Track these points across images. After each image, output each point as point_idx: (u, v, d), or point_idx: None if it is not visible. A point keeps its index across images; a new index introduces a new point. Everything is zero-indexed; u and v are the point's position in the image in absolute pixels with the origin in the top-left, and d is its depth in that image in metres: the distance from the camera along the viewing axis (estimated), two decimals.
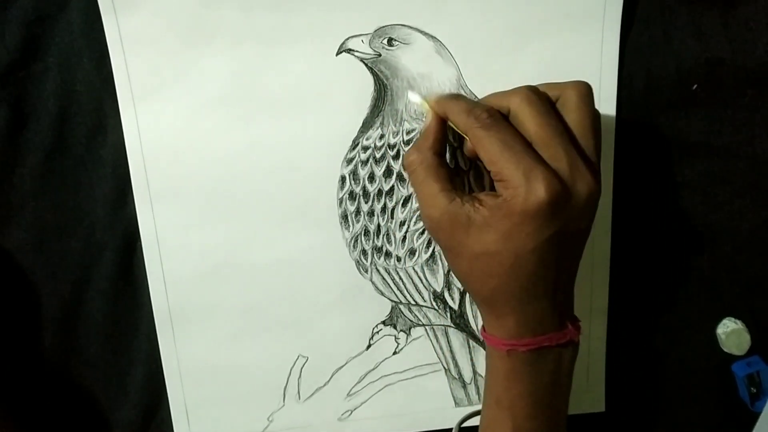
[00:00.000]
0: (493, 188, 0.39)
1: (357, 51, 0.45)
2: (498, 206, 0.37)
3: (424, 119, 0.44)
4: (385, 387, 0.50)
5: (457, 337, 0.49)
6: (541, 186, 0.36)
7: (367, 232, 0.47)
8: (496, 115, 0.39)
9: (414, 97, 0.45)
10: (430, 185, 0.39)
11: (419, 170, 0.40)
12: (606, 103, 0.47)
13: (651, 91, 0.47)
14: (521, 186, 0.36)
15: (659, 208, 0.49)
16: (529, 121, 0.38)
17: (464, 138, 0.40)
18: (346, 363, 0.49)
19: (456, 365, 0.50)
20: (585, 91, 0.39)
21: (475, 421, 0.46)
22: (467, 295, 0.48)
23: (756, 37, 0.47)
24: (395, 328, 0.49)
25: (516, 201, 0.36)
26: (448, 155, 0.44)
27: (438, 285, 0.48)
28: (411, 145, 0.45)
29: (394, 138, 0.46)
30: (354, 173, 0.47)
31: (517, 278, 0.38)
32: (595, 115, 0.39)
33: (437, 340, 0.49)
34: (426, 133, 0.42)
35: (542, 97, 0.39)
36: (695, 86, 0.48)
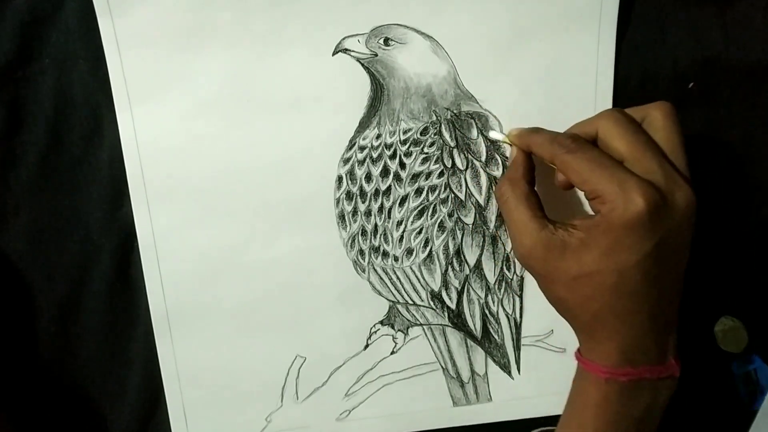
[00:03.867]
0: None
1: (353, 51, 0.45)
2: (596, 224, 0.37)
3: (507, 155, 0.45)
4: (383, 387, 0.50)
5: (454, 337, 0.49)
6: (638, 195, 0.35)
7: (364, 232, 0.47)
8: (580, 139, 0.39)
9: (496, 135, 0.45)
10: (521, 213, 0.39)
11: (511, 199, 0.40)
12: (602, 102, 0.47)
13: (647, 90, 0.48)
14: (618, 198, 0.36)
15: None
16: (619, 140, 0.38)
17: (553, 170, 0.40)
18: (344, 363, 0.49)
19: (454, 365, 0.50)
20: (670, 110, 0.39)
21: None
22: (465, 294, 0.48)
23: (752, 35, 0.47)
24: (393, 327, 0.49)
25: (615, 214, 0.36)
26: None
27: (435, 284, 0.48)
28: (501, 178, 0.44)
29: (390, 138, 0.46)
30: (351, 173, 0.47)
31: (620, 297, 0.37)
32: (681, 133, 0.39)
33: (435, 340, 0.49)
34: (514, 164, 0.42)
35: (629, 117, 0.39)
36: (691, 84, 0.48)
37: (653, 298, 0.37)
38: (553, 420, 0.48)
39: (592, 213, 0.38)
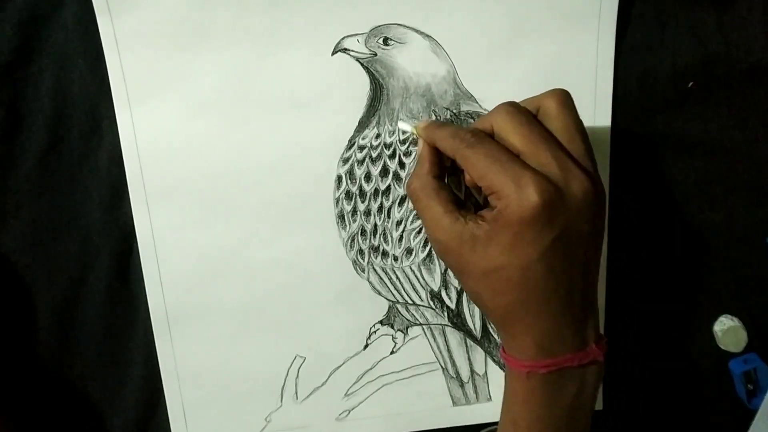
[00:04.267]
0: None
1: (353, 51, 0.45)
2: (495, 219, 0.37)
3: (415, 147, 0.45)
4: (382, 386, 0.50)
5: (454, 336, 0.49)
6: (532, 190, 0.35)
7: (363, 232, 0.47)
8: (480, 134, 0.39)
9: (404, 126, 0.45)
10: (432, 208, 0.39)
11: (421, 196, 0.40)
12: (602, 102, 0.47)
13: (647, 89, 0.48)
14: (512, 193, 0.36)
15: (655, 206, 0.50)
16: (513, 134, 0.38)
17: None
18: (343, 363, 0.49)
19: (453, 364, 0.50)
20: (563, 97, 0.39)
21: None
22: (464, 293, 0.48)
23: (751, 34, 0.47)
24: (392, 327, 0.49)
25: (510, 210, 0.36)
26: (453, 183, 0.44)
27: (435, 284, 0.48)
28: (410, 174, 0.44)
29: (390, 137, 0.46)
30: (350, 173, 0.47)
31: (528, 292, 0.37)
32: (578, 119, 0.39)
33: (435, 340, 0.49)
34: (421, 159, 0.41)
35: (522, 110, 0.39)
36: (691, 84, 0.48)
37: (563, 289, 0.37)
38: None
39: None
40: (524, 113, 0.39)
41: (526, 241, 0.36)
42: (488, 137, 0.39)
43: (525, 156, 0.37)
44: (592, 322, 0.39)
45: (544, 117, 0.39)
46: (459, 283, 0.41)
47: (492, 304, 0.38)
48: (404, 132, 0.46)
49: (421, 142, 0.42)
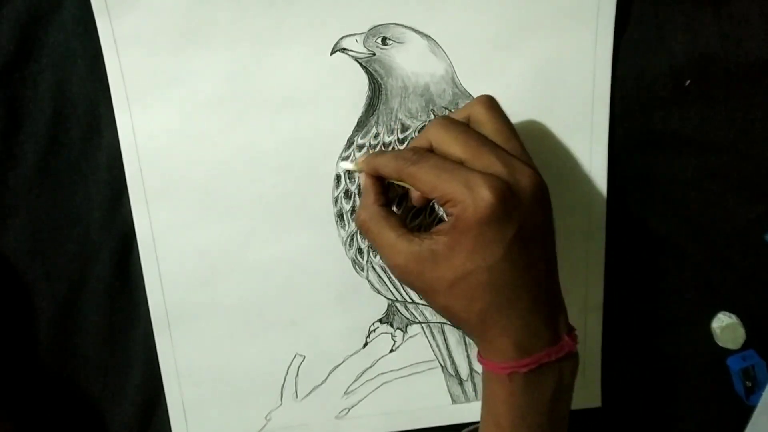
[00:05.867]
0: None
1: (351, 50, 0.45)
2: (453, 226, 0.37)
3: (359, 181, 0.46)
4: (382, 385, 0.50)
5: (453, 335, 0.50)
6: (485, 190, 0.36)
7: None
8: (420, 150, 0.40)
9: (346, 165, 0.45)
10: (385, 235, 0.40)
11: (371, 225, 0.40)
12: (600, 100, 0.47)
13: (644, 88, 0.48)
14: (467, 197, 0.36)
15: (653, 204, 0.50)
16: (452, 144, 0.39)
17: (406, 191, 0.42)
18: (343, 361, 0.49)
19: (452, 362, 0.50)
20: (490, 102, 0.41)
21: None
22: None
23: (748, 33, 0.47)
24: (392, 325, 0.49)
25: (468, 213, 0.36)
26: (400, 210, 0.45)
27: None
28: (358, 207, 0.44)
29: (389, 137, 0.46)
30: (349, 172, 0.47)
31: (498, 292, 0.37)
32: (508, 120, 0.40)
33: (434, 338, 0.50)
34: (365, 190, 0.42)
35: (455, 121, 0.40)
36: (688, 82, 0.48)
37: (530, 285, 0.38)
38: None
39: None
40: (458, 123, 0.40)
41: (487, 240, 0.36)
42: (429, 152, 0.40)
43: (468, 162, 0.38)
44: (561, 314, 0.40)
45: (475, 124, 0.40)
46: (427, 303, 0.41)
47: (465, 314, 0.39)
48: (348, 171, 0.46)
49: (363, 176, 0.43)
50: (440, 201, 0.38)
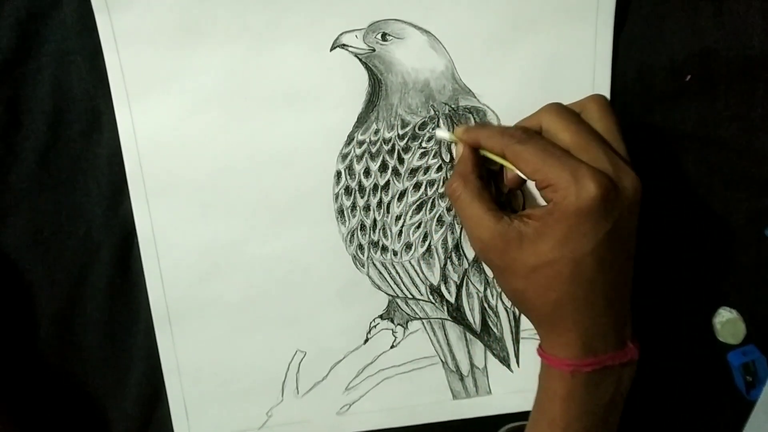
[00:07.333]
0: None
1: (351, 46, 0.45)
2: (549, 212, 0.37)
3: (454, 151, 0.45)
4: (383, 380, 0.50)
5: (454, 330, 0.50)
6: (590, 182, 0.36)
7: (363, 227, 0.48)
8: (529, 131, 0.39)
9: (442, 134, 0.45)
10: (476, 208, 0.39)
11: (463, 195, 0.40)
12: None
13: (644, 83, 0.48)
14: (571, 185, 0.36)
15: (654, 200, 0.49)
16: (563, 131, 0.38)
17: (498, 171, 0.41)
18: (344, 357, 0.50)
19: (453, 358, 0.50)
20: (604, 101, 0.40)
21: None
22: (463, 288, 0.49)
23: (748, 28, 0.47)
24: (392, 321, 0.49)
25: (569, 201, 0.36)
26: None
27: (434, 278, 0.48)
28: (451, 175, 0.43)
29: (389, 133, 0.46)
30: (350, 168, 0.47)
31: (578, 286, 0.37)
32: (619, 124, 0.40)
33: (434, 334, 0.50)
34: (462, 159, 0.42)
35: (570, 110, 0.40)
36: (688, 77, 0.48)
37: (609, 285, 0.38)
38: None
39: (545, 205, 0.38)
40: (572, 112, 0.39)
41: (580, 233, 0.36)
42: (537, 134, 0.39)
43: (576, 152, 0.38)
44: (629, 321, 0.40)
45: (587, 119, 0.40)
46: (498, 283, 0.41)
47: (539, 302, 0.38)
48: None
49: (460, 146, 0.42)
50: (540, 184, 0.38)
